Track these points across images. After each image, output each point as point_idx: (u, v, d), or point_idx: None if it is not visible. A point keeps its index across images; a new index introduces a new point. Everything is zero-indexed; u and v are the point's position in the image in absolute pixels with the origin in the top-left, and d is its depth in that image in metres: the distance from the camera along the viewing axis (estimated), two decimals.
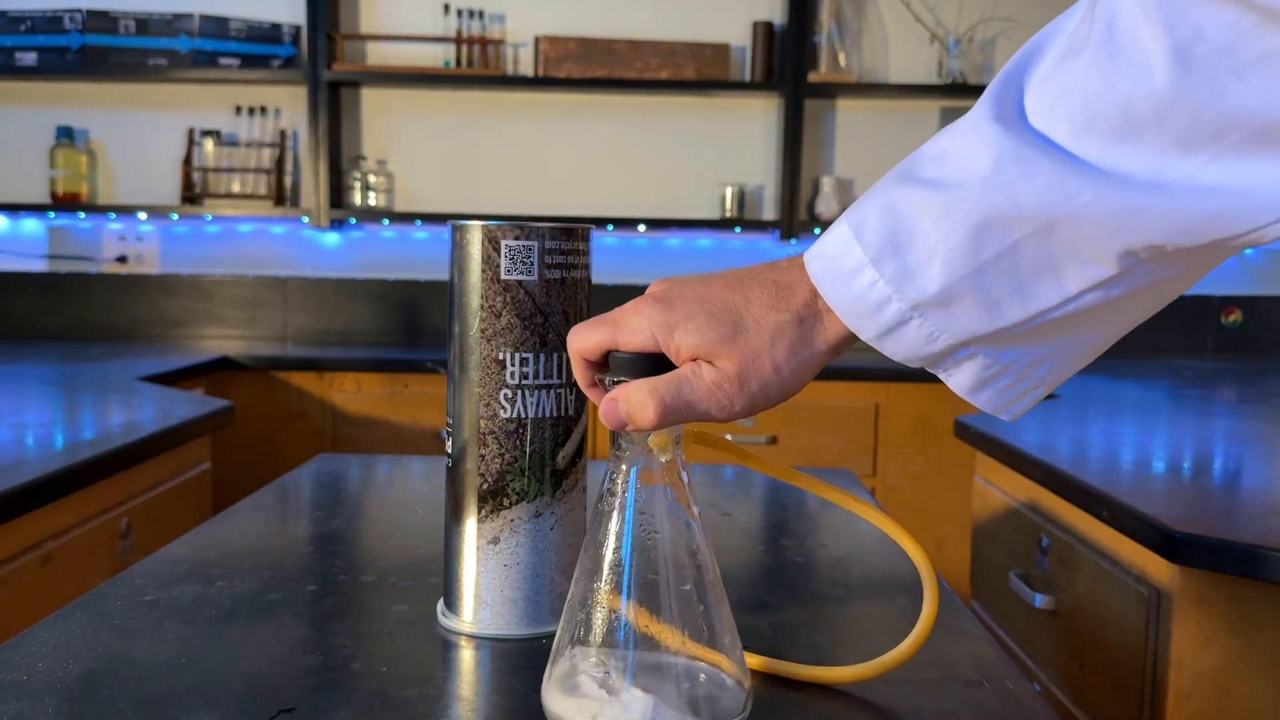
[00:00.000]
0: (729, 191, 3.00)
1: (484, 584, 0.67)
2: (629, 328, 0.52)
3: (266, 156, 2.98)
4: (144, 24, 2.86)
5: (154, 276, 3.05)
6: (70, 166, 2.94)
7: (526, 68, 3.01)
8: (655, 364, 0.52)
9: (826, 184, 2.99)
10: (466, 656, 0.65)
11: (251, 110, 2.99)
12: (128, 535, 1.50)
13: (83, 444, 1.43)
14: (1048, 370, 0.51)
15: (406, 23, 3.01)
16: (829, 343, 0.52)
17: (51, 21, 2.84)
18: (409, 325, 3.08)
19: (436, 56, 2.99)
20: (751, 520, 1.02)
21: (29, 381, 2.08)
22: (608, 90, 2.97)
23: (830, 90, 2.96)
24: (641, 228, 3.01)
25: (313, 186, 2.93)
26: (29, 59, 2.85)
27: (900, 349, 0.50)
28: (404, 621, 0.70)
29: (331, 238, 3.09)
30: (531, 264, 0.65)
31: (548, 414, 0.66)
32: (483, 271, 0.65)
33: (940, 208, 0.47)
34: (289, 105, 3.01)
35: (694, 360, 0.51)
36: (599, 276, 2.99)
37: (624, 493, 0.53)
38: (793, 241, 3.01)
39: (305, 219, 2.96)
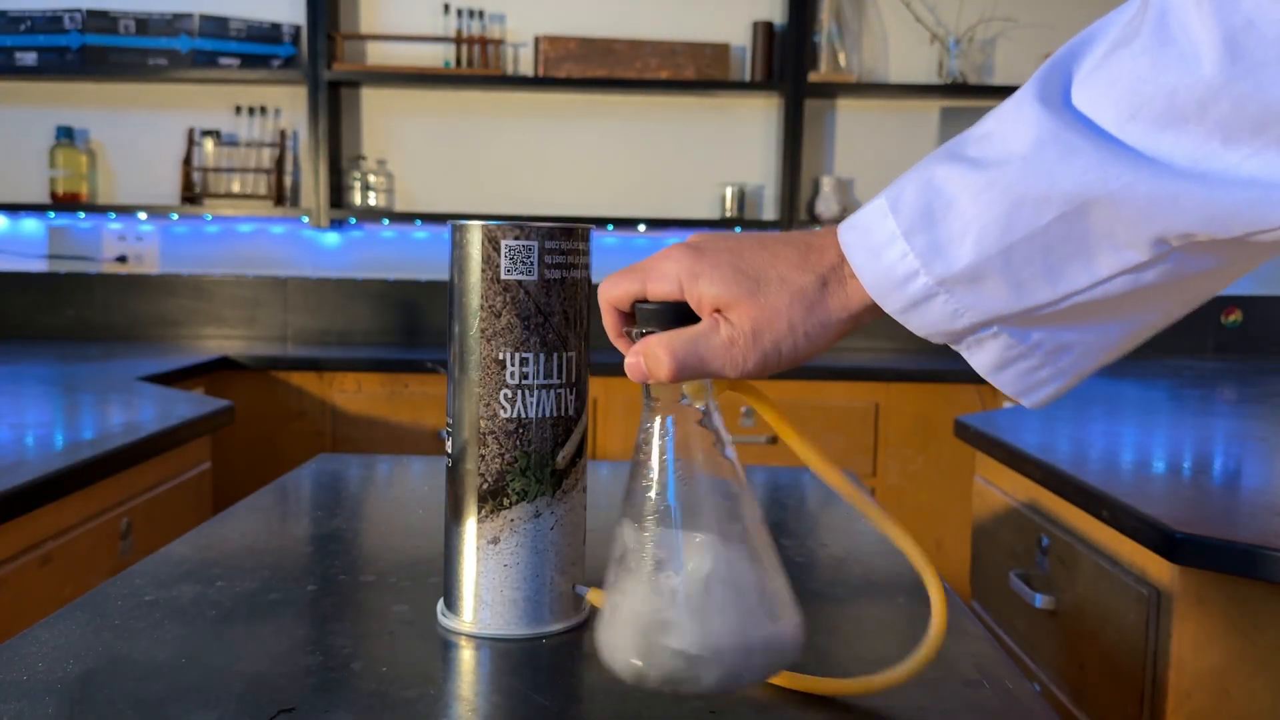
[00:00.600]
0: (729, 191, 3.00)
1: (484, 584, 0.67)
2: (658, 273, 0.53)
3: (266, 156, 2.98)
4: (144, 24, 2.86)
5: (154, 276, 3.05)
6: (70, 166, 2.94)
7: (526, 68, 3.01)
8: (680, 315, 0.53)
9: (826, 184, 2.99)
10: (466, 656, 0.65)
11: (251, 110, 2.99)
12: (128, 535, 1.50)
13: (83, 444, 1.43)
14: (1071, 359, 0.50)
15: (406, 23, 3.01)
16: (849, 310, 0.51)
17: (51, 21, 2.84)
18: (409, 325, 3.08)
19: (436, 56, 2.99)
20: None
21: (29, 381, 2.07)
22: (607, 90, 2.97)
23: (830, 90, 2.96)
24: (641, 228, 3.00)
25: (313, 186, 2.93)
26: (29, 59, 2.85)
27: (924, 324, 0.50)
28: (404, 621, 0.70)
29: (331, 238, 3.09)
30: (531, 264, 0.65)
31: (548, 414, 0.66)
32: (483, 271, 0.65)
33: (978, 185, 0.47)
34: (289, 105, 3.01)
35: (715, 312, 0.52)
36: (599, 277, 2.98)
37: (660, 439, 0.54)
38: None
39: (305, 219, 2.96)
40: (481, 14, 2.95)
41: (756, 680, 0.54)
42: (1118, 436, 1.66)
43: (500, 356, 0.65)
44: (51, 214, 3.01)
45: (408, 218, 2.93)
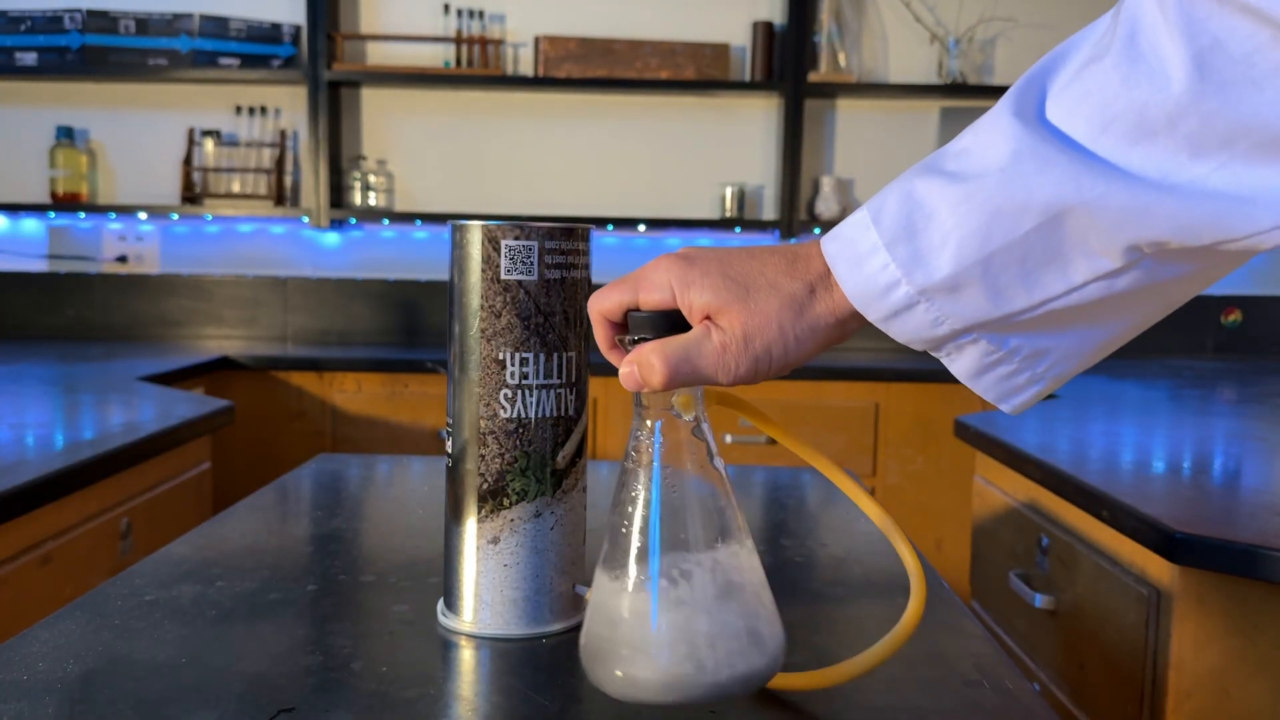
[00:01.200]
0: (729, 191, 3.00)
1: (484, 584, 0.67)
2: (649, 283, 0.54)
3: (266, 156, 2.98)
4: (144, 24, 2.87)
5: (154, 276, 3.05)
6: (70, 166, 2.94)
7: (526, 68, 3.01)
8: (672, 323, 0.54)
9: (826, 184, 2.99)
10: (466, 656, 0.65)
11: (251, 110, 2.99)
12: (128, 535, 1.50)
13: (83, 444, 1.43)
14: (1048, 364, 0.52)
15: (406, 23, 3.01)
16: (837, 316, 0.53)
17: (51, 21, 2.84)
18: (409, 325, 3.08)
19: (436, 56, 2.99)
20: (751, 520, 1.02)
21: (29, 381, 2.08)
22: (607, 90, 2.97)
23: (830, 90, 2.96)
24: (641, 228, 3.01)
25: (313, 186, 2.93)
26: (29, 59, 2.85)
27: (905, 331, 0.51)
28: (404, 621, 0.70)
29: (331, 238, 3.09)
30: (531, 264, 0.65)
31: (548, 414, 0.66)
32: (483, 271, 0.65)
33: (957, 197, 0.48)
34: (289, 105, 3.01)
35: (706, 319, 0.53)
36: (599, 276, 2.98)
37: (649, 449, 0.54)
38: (792, 241, 3.01)
39: (305, 219, 2.96)
40: (481, 14, 2.95)
41: (736, 697, 0.54)
42: (1118, 436, 1.66)
43: (500, 356, 0.65)
44: (51, 214, 3.01)
45: (408, 218, 2.93)
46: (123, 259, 3.06)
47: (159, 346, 2.84)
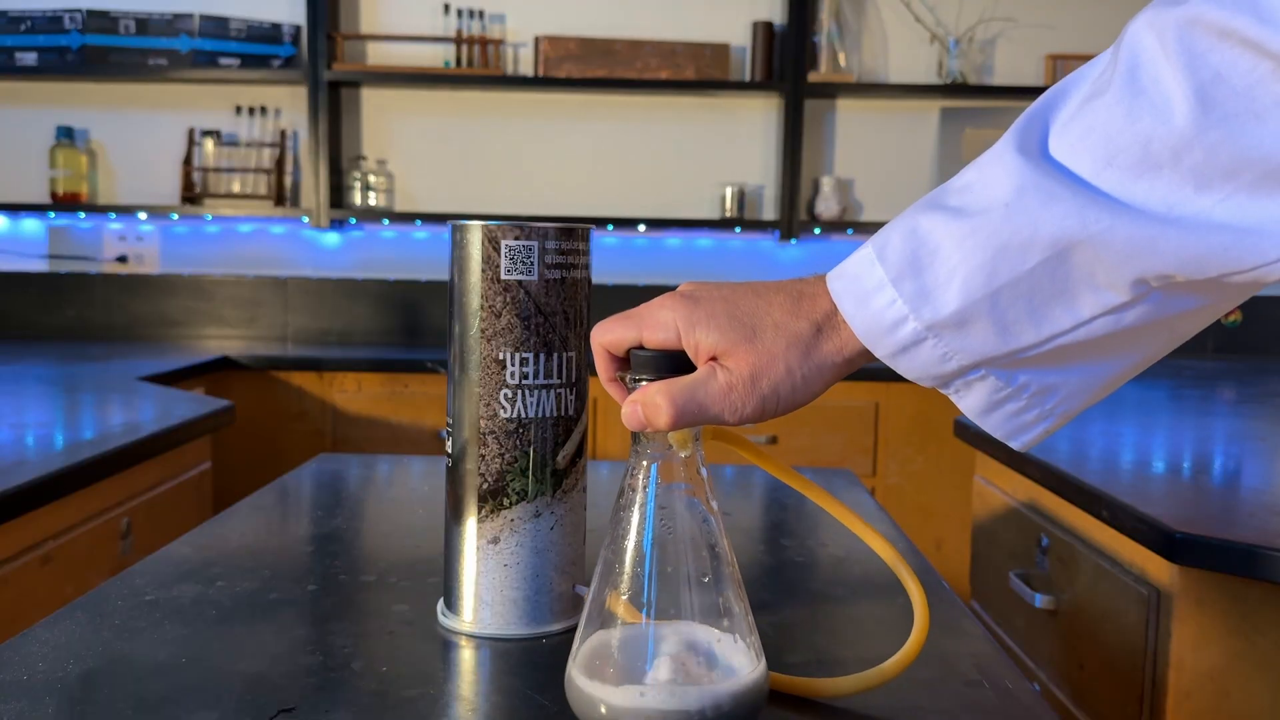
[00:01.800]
0: (729, 191, 3.00)
1: (484, 584, 0.67)
2: (654, 322, 0.54)
3: (266, 156, 2.98)
4: (144, 24, 2.87)
5: (154, 276, 3.05)
6: (70, 166, 2.94)
7: (526, 68, 3.01)
8: (676, 363, 0.54)
9: (826, 184, 2.99)
10: (466, 656, 0.65)
11: (251, 110, 2.99)
12: (128, 535, 1.50)
13: (83, 444, 1.43)
14: (1057, 400, 0.52)
15: (406, 23, 3.01)
16: (844, 355, 0.53)
17: (51, 21, 2.84)
18: (409, 325, 3.08)
19: (436, 56, 2.99)
20: (751, 520, 1.02)
21: (29, 381, 2.08)
22: (607, 90, 2.97)
23: (830, 90, 2.96)
24: (641, 228, 3.01)
25: (313, 186, 2.93)
26: (29, 59, 2.85)
27: (914, 368, 0.51)
28: (404, 621, 0.70)
29: (331, 238, 3.09)
30: (531, 264, 0.65)
31: (548, 414, 0.66)
32: (483, 271, 0.65)
33: (962, 232, 0.48)
34: (289, 105, 3.01)
35: (712, 360, 0.53)
36: (599, 276, 2.99)
37: (644, 488, 0.54)
38: (792, 241, 3.01)
39: (305, 219, 2.96)
40: (481, 14, 2.95)
41: None
42: (1118, 436, 1.66)
43: (500, 356, 0.65)
44: (52, 214, 3.01)
45: (408, 218, 2.93)
46: (123, 259, 3.06)
47: (159, 346, 2.84)
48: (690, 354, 0.53)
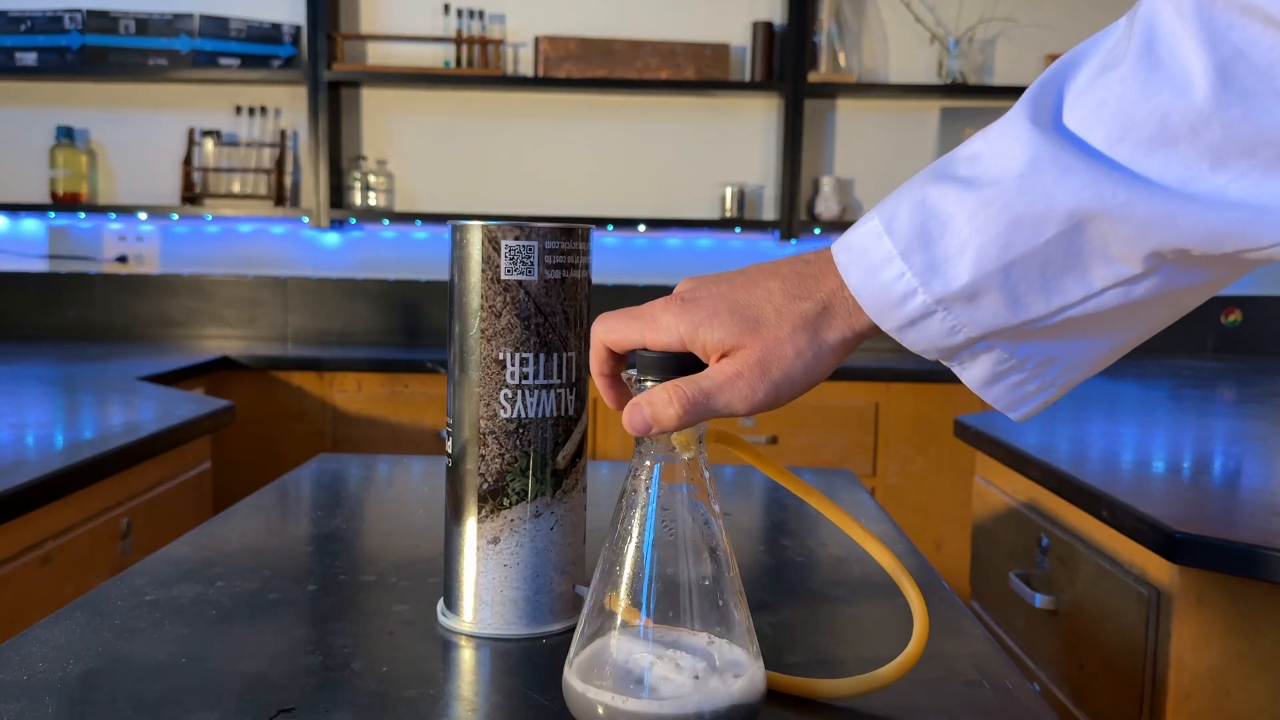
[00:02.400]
0: (729, 191, 3.00)
1: (484, 584, 0.67)
2: (658, 325, 0.53)
3: (266, 156, 2.98)
4: (144, 24, 2.87)
5: (154, 276, 3.05)
6: (70, 166, 2.94)
7: (526, 68, 3.01)
8: (683, 364, 0.53)
9: (826, 184, 3.00)
10: (466, 656, 0.65)
11: (251, 110, 2.99)
12: (128, 535, 1.50)
13: (83, 444, 1.43)
14: (1058, 371, 0.52)
15: (406, 23, 3.01)
16: (853, 329, 0.52)
17: (51, 21, 2.84)
18: (409, 325, 3.08)
19: (436, 56, 2.99)
20: (751, 520, 1.02)
21: (29, 381, 2.08)
22: (607, 90, 2.97)
23: (830, 90, 2.96)
24: (641, 228, 3.01)
25: (313, 186, 2.93)
26: (29, 59, 2.85)
27: (920, 341, 0.51)
28: (404, 621, 0.70)
29: (331, 238, 3.09)
30: (531, 264, 0.65)
31: (548, 414, 0.66)
32: (483, 271, 0.65)
33: (974, 204, 0.48)
34: (289, 105, 3.01)
35: (722, 356, 0.52)
36: (599, 276, 2.99)
37: (646, 489, 0.54)
38: (793, 242, 3.01)
39: (305, 219, 2.96)
40: (481, 14, 2.95)
41: None
42: (1118, 436, 1.66)
43: (500, 356, 0.65)
44: (52, 214, 3.01)
45: (408, 218, 2.93)
46: (123, 259, 3.06)
47: (159, 346, 2.84)
48: (700, 356, 0.53)
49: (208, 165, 2.98)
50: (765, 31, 2.92)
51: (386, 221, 2.99)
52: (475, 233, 0.65)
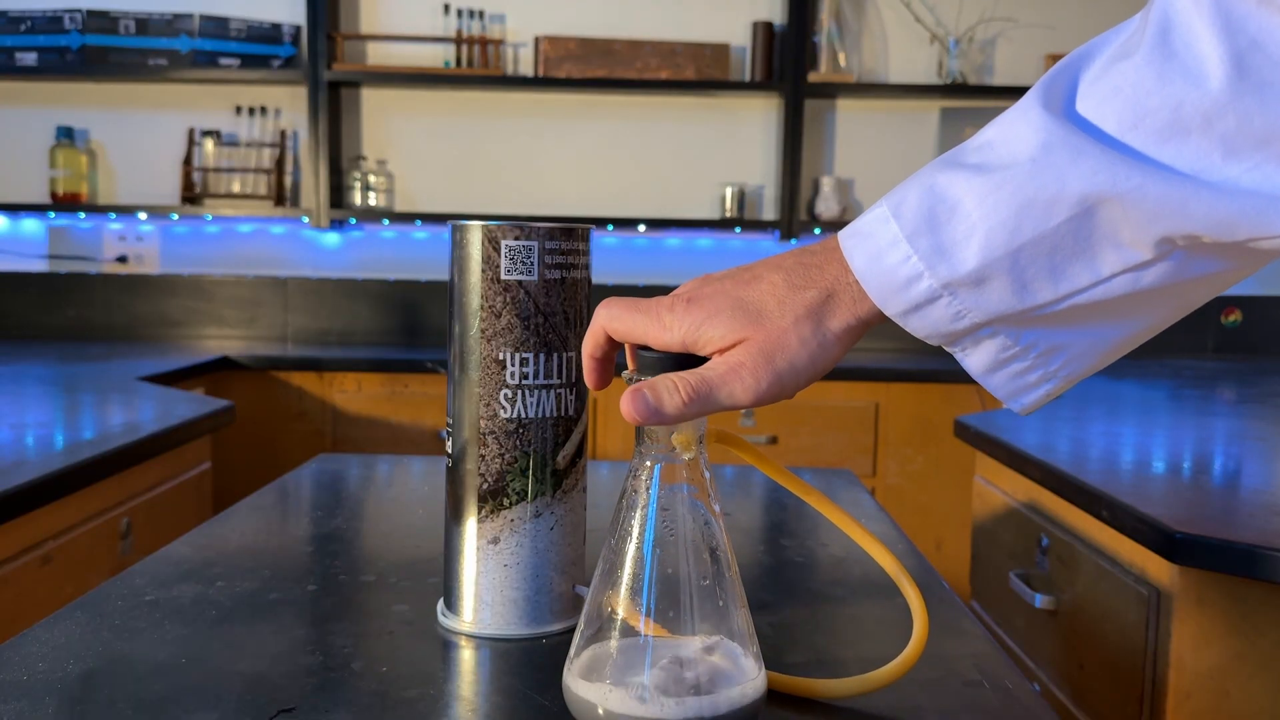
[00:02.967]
0: (729, 191, 3.00)
1: (484, 584, 0.67)
2: (661, 323, 0.53)
3: (266, 156, 2.98)
4: (144, 24, 2.87)
5: (154, 276, 3.05)
6: (70, 166, 2.94)
7: (526, 68, 3.01)
8: (683, 365, 0.53)
9: (826, 184, 3.00)
10: (466, 656, 0.65)
11: (251, 110, 2.99)
12: (128, 535, 1.50)
13: (83, 444, 1.43)
14: (1062, 362, 0.51)
15: (406, 23, 3.01)
16: (858, 315, 0.51)
17: (51, 21, 2.84)
18: (409, 325, 3.08)
19: (436, 56, 2.99)
20: (751, 520, 1.02)
21: (29, 381, 2.08)
22: (607, 90, 2.97)
23: (830, 90, 2.96)
24: (641, 228, 3.01)
25: (313, 186, 2.93)
26: (29, 59, 2.85)
27: (924, 326, 0.50)
28: (404, 621, 0.70)
29: (331, 238, 3.09)
30: (531, 264, 0.65)
31: (548, 414, 0.66)
32: (483, 271, 0.65)
33: (984, 188, 0.47)
34: (289, 105, 3.01)
35: (724, 352, 0.52)
36: (599, 276, 2.99)
37: (647, 489, 0.53)
38: (793, 241, 3.01)
39: (305, 219, 2.96)
40: (481, 14, 2.95)
41: None
42: (1118, 436, 1.66)
43: (500, 356, 0.65)
44: (52, 214, 3.01)
45: (408, 218, 2.93)
46: (123, 259, 3.06)
47: (159, 346, 2.84)
48: (703, 355, 0.53)
49: (208, 165, 2.98)
50: (765, 31, 2.92)
51: (386, 221, 2.99)
52: (475, 233, 0.65)
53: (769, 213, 3.08)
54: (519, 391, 0.66)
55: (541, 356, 0.66)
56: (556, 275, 0.66)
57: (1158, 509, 1.14)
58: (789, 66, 2.91)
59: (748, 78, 3.00)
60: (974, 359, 0.52)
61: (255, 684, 0.59)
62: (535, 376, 0.66)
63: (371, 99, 3.05)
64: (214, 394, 2.37)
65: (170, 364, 2.37)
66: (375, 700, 0.58)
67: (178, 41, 2.87)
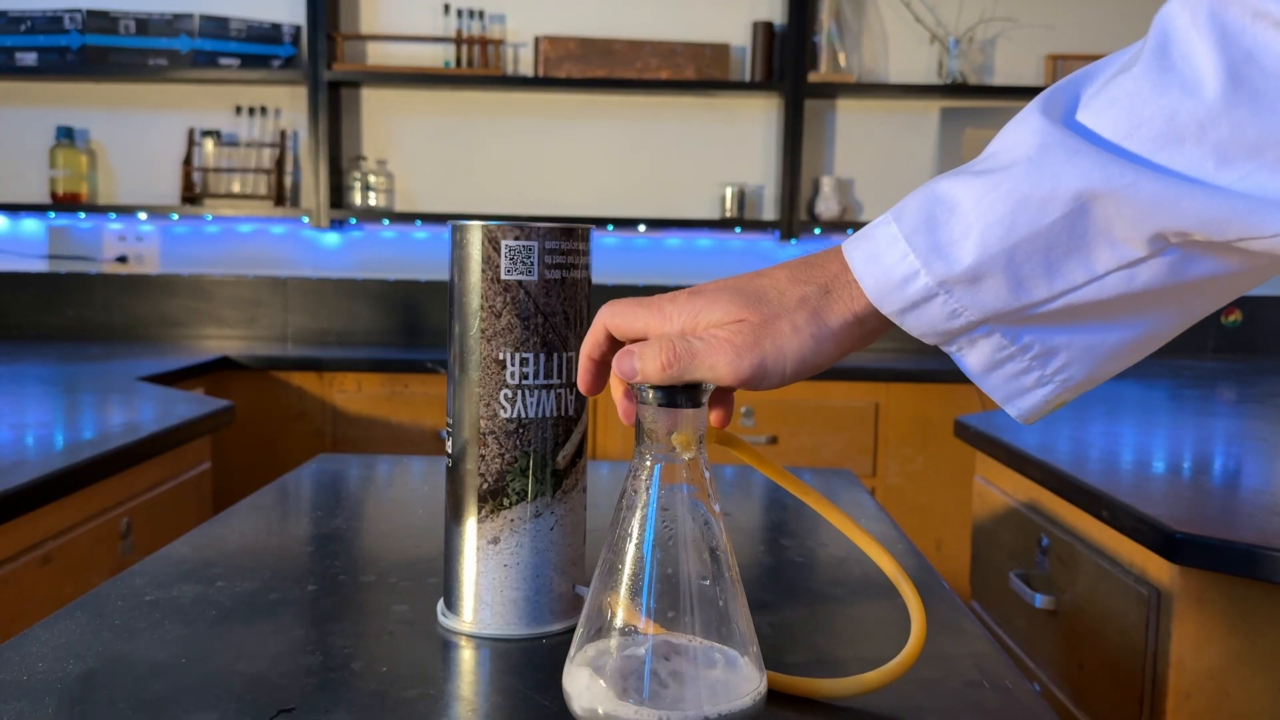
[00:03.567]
0: (729, 191, 3.00)
1: (484, 584, 0.67)
2: (664, 314, 0.54)
3: (266, 156, 2.98)
4: (144, 24, 2.87)
5: (154, 276, 3.05)
6: (70, 166, 2.94)
7: (526, 68, 3.01)
8: (684, 387, 0.53)
9: (826, 184, 2.99)
10: (466, 656, 0.65)
11: (251, 110, 2.99)
12: (128, 535, 1.50)
13: (83, 444, 1.43)
14: (1058, 364, 0.51)
15: (406, 23, 3.01)
16: (854, 312, 0.52)
17: (51, 21, 2.84)
18: (409, 325, 3.08)
19: (436, 56, 2.99)
20: (751, 520, 1.02)
21: (29, 381, 2.08)
22: (607, 90, 2.97)
23: (830, 90, 2.96)
24: (641, 228, 3.01)
25: (313, 186, 2.93)
26: (29, 59, 2.85)
27: (920, 325, 0.51)
28: (404, 621, 0.70)
29: (331, 238, 3.09)
30: (531, 264, 0.65)
31: (548, 414, 0.66)
32: (483, 271, 0.65)
33: (982, 189, 0.48)
34: (289, 105, 3.01)
35: None
36: (599, 276, 2.99)
37: (647, 489, 0.54)
38: (793, 242, 3.01)
39: (305, 219, 2.96)
40: (481, 14, 2.95)
41: None
42: (1118, 436, 1.66)
43: (500, 356, 0.65)
44: (51, 214, 3.01)
45: (408, 218, 2.93)
46: (123, 259, 3.06)
47: (159, 346, 2.84)
48: None
49: (208, 165, 2.98)
50: (765, 31, 2.92)
51: (386, 221, 2.99)
52: (475, 233, 0.65)
53: (769, 213, 3.08)
54: (519, 391, 0.66)
55: (541, 356, 0.66)
56: (556, 275, 0.66)
57: (1158, 509, 1.14)
58: (789, 66, 2.91)
59: (748, 78, 3.00)
60: (970, 359, 0.52)
61: (255, 684, 0.59)
62: (535, 376, 0.66)
63: (371, 99, 3.05)
64: (214, 394, 2.37)
65: (170, 364, 2.37)
66: (375, 700, 0.58)
67: (178, 41, 2.87)
